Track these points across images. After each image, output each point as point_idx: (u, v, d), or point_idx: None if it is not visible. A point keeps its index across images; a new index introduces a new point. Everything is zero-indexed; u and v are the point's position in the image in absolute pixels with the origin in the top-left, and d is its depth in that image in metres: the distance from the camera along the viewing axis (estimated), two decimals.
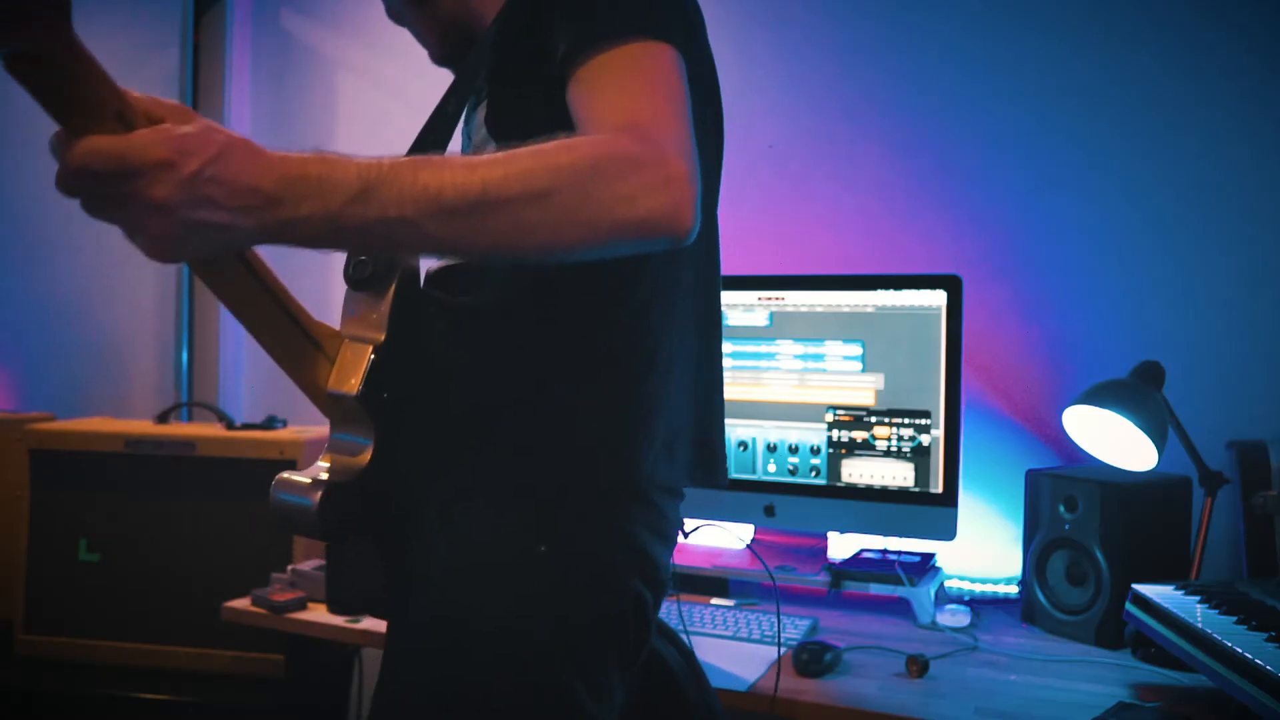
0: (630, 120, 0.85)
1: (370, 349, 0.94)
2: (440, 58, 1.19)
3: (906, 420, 1.81)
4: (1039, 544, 1.75)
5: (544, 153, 0.79)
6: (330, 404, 0.96)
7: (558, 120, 0.91)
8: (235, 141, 0.71)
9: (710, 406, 1.13)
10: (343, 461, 0.96)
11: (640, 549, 1.01)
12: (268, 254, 0.87)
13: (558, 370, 1.00)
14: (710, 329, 1.14)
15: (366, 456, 0.95)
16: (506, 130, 0.99)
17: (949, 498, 1.78)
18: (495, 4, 1.10)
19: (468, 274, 1.03)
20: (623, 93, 0.88)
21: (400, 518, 1.02)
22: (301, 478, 0.96)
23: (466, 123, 1.11)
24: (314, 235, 0.74)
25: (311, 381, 0.95)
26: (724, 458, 1.16)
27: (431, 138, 1.05)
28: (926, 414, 1.80)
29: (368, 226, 0.74)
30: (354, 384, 0.93)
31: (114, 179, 0.67)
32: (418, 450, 1.00)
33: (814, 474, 1.88)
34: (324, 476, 0.96)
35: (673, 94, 0.89)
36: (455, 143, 1.12)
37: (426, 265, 1.07)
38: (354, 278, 0.97)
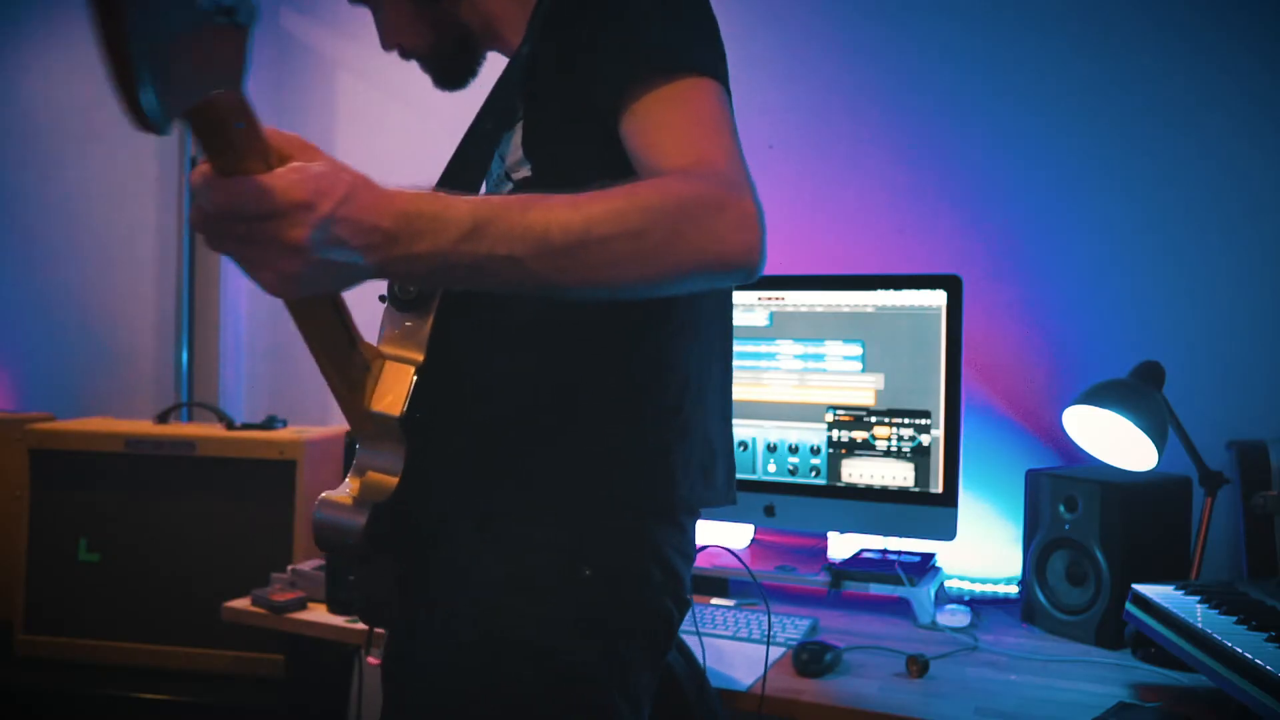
0: (699, 160, 0.88)
1: (413, 370, 0.95)
2: (417, 55, 1.20)
3: (906, 420, 1.81)
4: (1039, 544, 1.75)
5: (637, 193, 0.82)
6: (365, 422, 0.96)
7: (599, 146, 0.94)
8: (358, 180, 0.73)
9: (731, 425, 1.18)
10: (376, 479, 0.97)
11: (672, 570, 1.05)
12: None
13: (591, 392, 1.02)
14: (729, 350, 1.19)
15: (398, 473, 0.96)
16: (545, 153, 1.01)
17: (949, 498, 1.78)
18: (516, 22, 1.12)
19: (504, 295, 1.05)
20: (685, 131, 0.91)
21: (422, 531, 1.03)
22: (343, 498, 0.97)
23: (499, 143, 1.13)
24: (424, 271, 0.75)
25: (356, 400, 0.96)
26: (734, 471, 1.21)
27: (468, 157, 1.06)
28: (926, 414, 1.80)
29: (476, 263, 0.75)
30: (396, 405, 0.94)
31: (256, 219, 0.68)
32: (449, 466, 1.02)
33: (814, 474, 1.88)
34: (363, 495, 0.97)
35: (729, 131, 0.93)
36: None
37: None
38: (400, 299, 0.98)
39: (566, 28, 0.99)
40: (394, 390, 0.94)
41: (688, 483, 1.05)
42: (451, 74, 1.23)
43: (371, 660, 1.23)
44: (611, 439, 1.02)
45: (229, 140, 0.67)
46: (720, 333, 1.16)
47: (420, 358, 0.97)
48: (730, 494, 1.15)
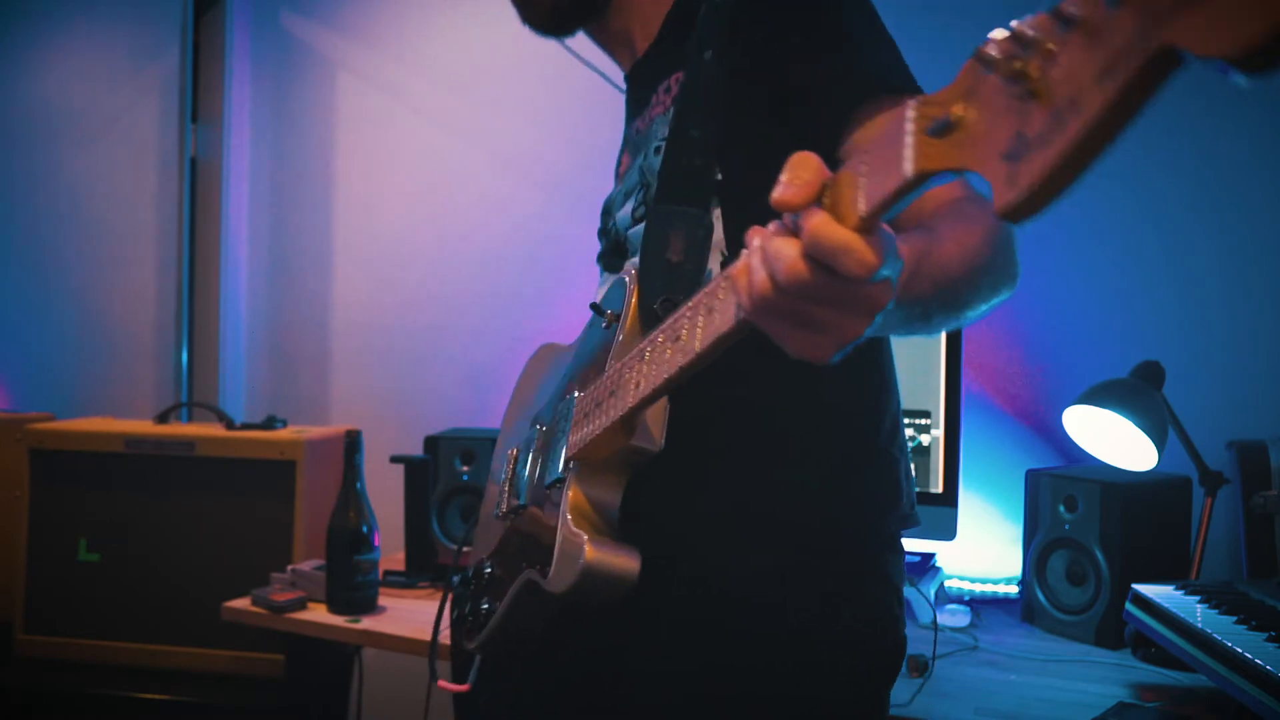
0: (952, 187, 0.89)
1: (666, 400, 0.89)
2: (537, 19, 1.18)
3: (906, 420, 1.81)
4: (1039, 544, 1.75)
5: (976, 231, 0.82)
6: (612, 455, 0.90)
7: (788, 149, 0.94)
8: None
9: None
10: (608, 512, 0.91)
11: (900, 591, 1.05)
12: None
13: (823, 410, 1.00)
14: None
15: (616, 505, 0.91)
16: (737, 159, 0.99)
17: (949, 498, 1.78)
18: (649, 19, 1.12)
19: None
20: None
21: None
22: (601, 538, 0.87)
23: (710, 152, 1.03)
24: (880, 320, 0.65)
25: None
26: None
27: (687, 166, 1.00)
28: (926, 414, 1.79)
29: (903, 303, 0.70)
30: (658, 438, 0.88)
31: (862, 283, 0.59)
32: (681, 498, 0.98)
33: None
34: (607, 529, 0.90)
35: None
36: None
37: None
38: (662, 319, 0.91)
39: (768, 36, 0.99)
40: (653, 420, 0.88)
41: (908, 504, 1.05)
42: (560, 10, 1.16)
43: (443, 684, 1.18)
44: (848, 455, 1.01)
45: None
46: None
47: None
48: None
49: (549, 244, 2.42)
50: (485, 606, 1.03)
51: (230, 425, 2.24)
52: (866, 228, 0.56)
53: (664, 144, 1.02)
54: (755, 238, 0.63)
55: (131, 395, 2.77)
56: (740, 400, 0.98)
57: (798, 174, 0.59)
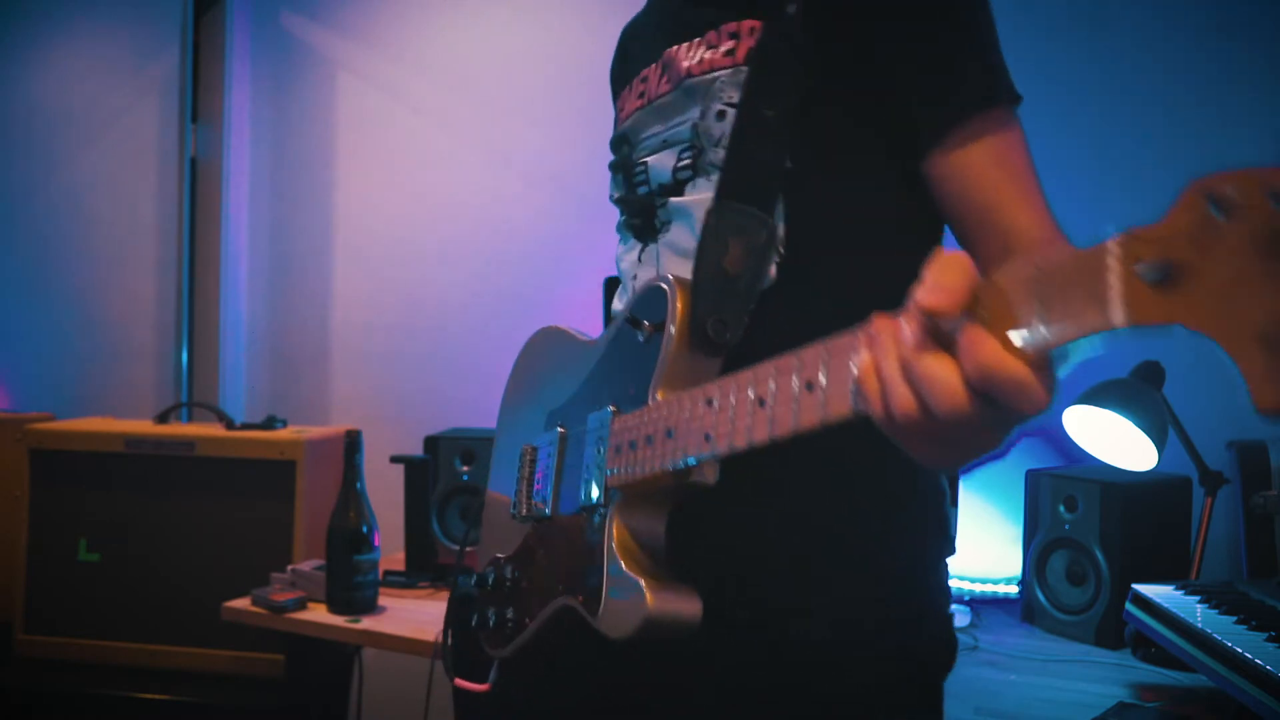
0: (1046, 226, 0.89)
1: None
2: None
3: None
4: (1039, 544, 1.75)
5: None
6: (660, 488, 0.85)
7: (868, 143, 0.90)
8: None
9: None
10: (654, 544, 0.87)
11: (947, 590, 1.04)
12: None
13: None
14: None
15: (660, 534, 0.87)
16: (810, 141, 0.91)
17: (949, 497, 1.78)
18: None
19: None
20: (1025, 182, 0.90)
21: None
22: (669, 593, 0.82)
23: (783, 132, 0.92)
24: None
25: None
26: None
27: (754, 152, 0.91)
28: None
29: None
30: (711, 474, 0.82)
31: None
32: (736, 527, 0.94)
33: None
34: (659, 569, 0.85)
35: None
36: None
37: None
38: (714, 341, 0.87)
39: (867, 5, 0.89)
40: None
41: (955, 523, 1.05)
42: None
43: (461, 683, 1.16)
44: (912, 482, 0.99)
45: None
46: None
47: None
48: None
49: (549, 244, 2.42)
50: (511, 617, 0.99)
51: (230, 425, 2.24)
52: (1042, 363, 0.51)
53: (732, 113, 0.91)
54: (885, 335, 0.57)
55: (131, 395, 2.77)
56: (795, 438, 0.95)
57: (947, 277, 0.53)
